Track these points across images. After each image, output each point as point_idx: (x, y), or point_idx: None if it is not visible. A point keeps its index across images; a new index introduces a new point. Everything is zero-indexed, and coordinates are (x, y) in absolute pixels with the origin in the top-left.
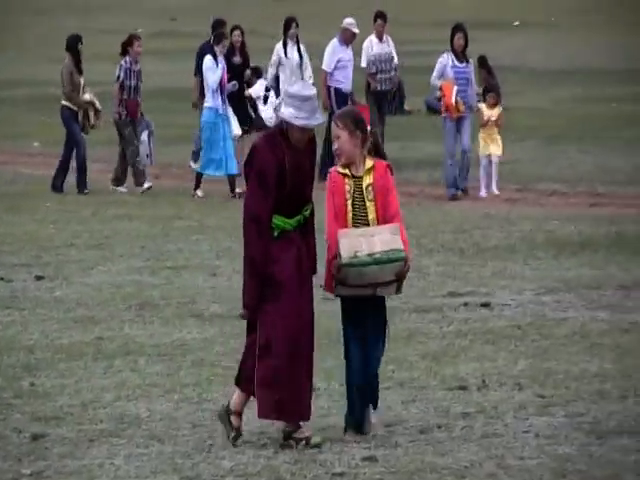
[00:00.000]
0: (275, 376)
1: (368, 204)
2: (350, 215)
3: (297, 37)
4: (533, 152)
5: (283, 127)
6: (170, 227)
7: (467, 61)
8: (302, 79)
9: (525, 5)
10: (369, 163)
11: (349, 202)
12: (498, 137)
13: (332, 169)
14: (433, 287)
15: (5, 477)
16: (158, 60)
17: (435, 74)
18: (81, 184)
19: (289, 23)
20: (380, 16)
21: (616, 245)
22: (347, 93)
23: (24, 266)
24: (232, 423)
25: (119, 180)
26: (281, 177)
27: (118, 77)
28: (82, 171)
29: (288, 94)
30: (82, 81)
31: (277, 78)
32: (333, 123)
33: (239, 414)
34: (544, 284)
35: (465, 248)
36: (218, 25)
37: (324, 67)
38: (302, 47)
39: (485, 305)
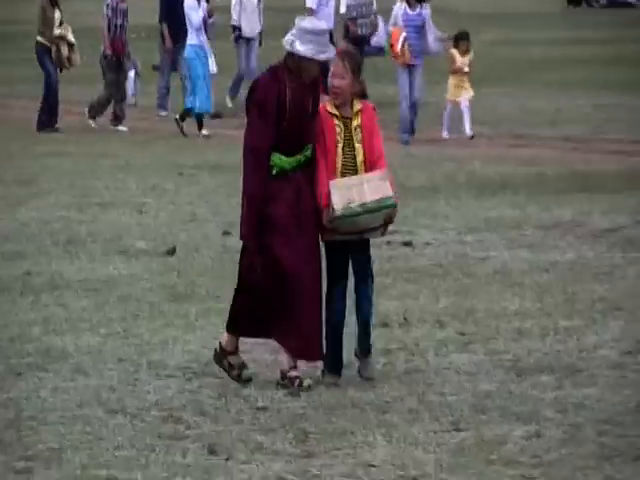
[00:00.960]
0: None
1: (357, 146)
2: (340, 159)
3: None
4: None
5: (288, 63)
6: (97, 165)
7: (421, 7)
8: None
9: None
10: (357, 105)
11: (339, 146)
12: (468, 84)
13: (321, 105)
14: None
15: None
16: None
17: (390, 21)
18: (51, 121)
19: None
20: None
21: (536, 186)
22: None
23: None
24: (232, 363)
25: (118, 119)
26: (281, 110)
27: (105, 15)
28: (52, 108)
29: (305, 30)
30: (57, 16)
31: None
32: (339, 60)
33: (236, 350)
34: (466, 223)
35: None
36: None
37: (308, 4)
38: None
39: (407, 244)
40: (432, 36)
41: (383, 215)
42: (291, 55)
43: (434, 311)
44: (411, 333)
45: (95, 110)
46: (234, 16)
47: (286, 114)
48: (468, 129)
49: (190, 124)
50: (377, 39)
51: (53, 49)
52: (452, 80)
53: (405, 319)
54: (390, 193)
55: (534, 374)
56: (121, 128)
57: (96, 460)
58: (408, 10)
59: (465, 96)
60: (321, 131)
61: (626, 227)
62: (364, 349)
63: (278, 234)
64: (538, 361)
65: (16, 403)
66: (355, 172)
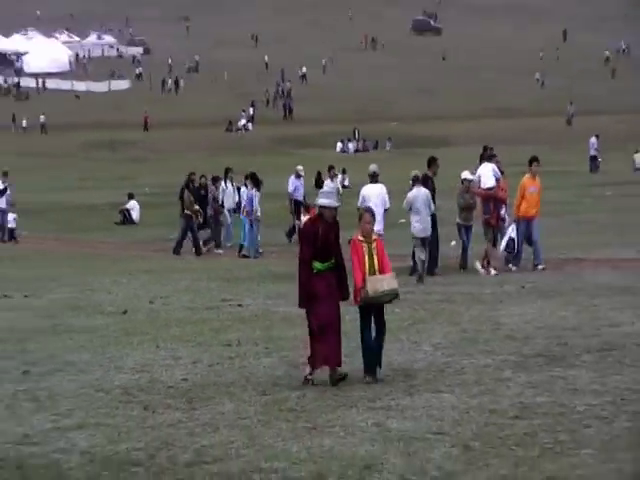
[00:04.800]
0: (317, 344)
1: (374, 257)
2: (367, 264)
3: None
4: None
5: (320, 212)
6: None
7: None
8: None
9: None
10: (374, 236)
11: (366, 256)
12: None
13: (355, 237)
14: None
15: None
16: None
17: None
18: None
19: (226, 171)
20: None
21: None
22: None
23: None
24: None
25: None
26: (315, 239)
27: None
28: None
29: (321, 193)
30: (192, 199)
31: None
32: (369, 215)
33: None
34: (267, 293)
35: None
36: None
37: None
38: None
39: (240, 305)
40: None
41: (391, 295)
42: (319, 207)
43: (255, 337)
44: (243, 348)
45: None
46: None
47: (318, 241)
48: None
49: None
50: None
51: (193, 217)
52: None
53: (239, 342)
54: (396, 286)
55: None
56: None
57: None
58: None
59: None
60: (355, 251)
61: None
62: (378, 362)
63: (320, 301)
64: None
65: None
66: (374, 271)
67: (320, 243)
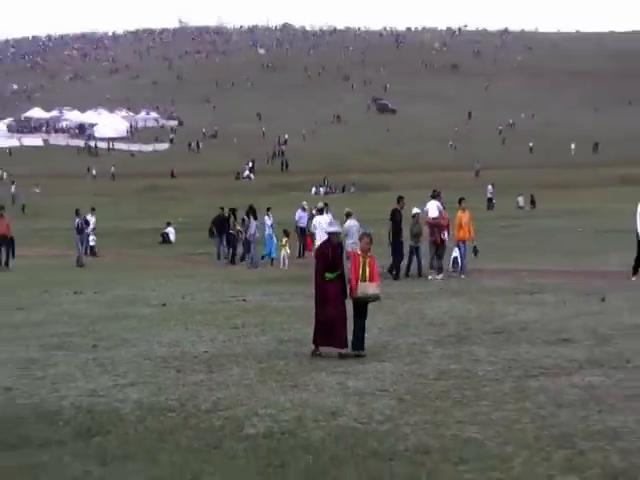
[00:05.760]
0: (324, 329)
1: (367, 269)
2: (360, 272)
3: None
4: None
5: (329, 237)
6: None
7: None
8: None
9: None
10: (369, 254)
11: (361, 267)
12: None
13: (354, 251)
14: None
15: None
16: None
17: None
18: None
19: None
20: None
21: None
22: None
23: None
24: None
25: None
26: (327, 257)
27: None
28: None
29: (329, 223)
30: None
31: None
32: (367, 238)
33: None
34: (263, 292)
35: None
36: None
37: (296, 219)
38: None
39: (244, 300)
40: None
41: (374, 299)
42: (329, 233)
43: (254, 322)
44: (246, 330)
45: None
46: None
47: (329, 258)
48: None
49: None
50: None
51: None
52: None
53: (243, 325)
54: (378, 292)
55: None
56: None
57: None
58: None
59: None
60: (354, 261)
61: None
62: (361, 343)
63: (329, 300)
64: None
65: None
66: (365, 278)
67: (331, 259)
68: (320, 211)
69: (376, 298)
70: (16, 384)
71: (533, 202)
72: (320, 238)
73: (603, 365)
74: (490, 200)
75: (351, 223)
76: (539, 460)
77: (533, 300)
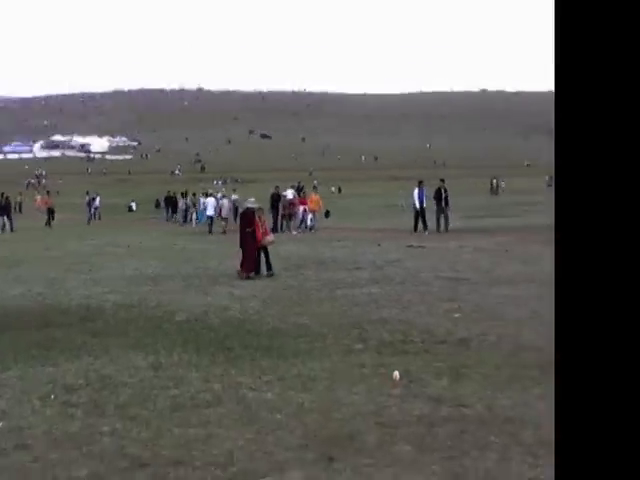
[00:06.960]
0: (243, 261)
1: (263, 227)
2: (262, 231)
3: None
4: None
5: (247, 209)
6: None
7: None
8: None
9: None
10: (263, 219)
11: (262, 227)
12: None
13: (257, 218)
14: None
15: None
16: None
17: None
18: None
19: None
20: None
21: None
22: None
23: None
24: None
25: None
26: (247, 220)
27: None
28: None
29: (248, 200)
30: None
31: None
32: (260, 211)
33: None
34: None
35: None
36: None
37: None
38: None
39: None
40: None
41: (270, 243)
42: (247, 207)
43: (187, 257)
44: (180, 262)
45: None
46: None
47: (247, 220)
48: None
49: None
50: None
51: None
52: None
53: (175, 258)
54: (272, 239)
55: None
56: None
57: None
58: None
59: None
60: (257, 225)
61: None
62: (270, 267)
63: (247, 243)
64: None
65: None
66: (266, 234)
67: (248, 221)
68: (207, 195)
69: (271, 243)
70: (45, 291)
71: (340, 190)
72: (209, 211)
73: (378, 282)
74: (315, 187)
75: (235, 197)
76: (342, 336)
77: (340, 245)
